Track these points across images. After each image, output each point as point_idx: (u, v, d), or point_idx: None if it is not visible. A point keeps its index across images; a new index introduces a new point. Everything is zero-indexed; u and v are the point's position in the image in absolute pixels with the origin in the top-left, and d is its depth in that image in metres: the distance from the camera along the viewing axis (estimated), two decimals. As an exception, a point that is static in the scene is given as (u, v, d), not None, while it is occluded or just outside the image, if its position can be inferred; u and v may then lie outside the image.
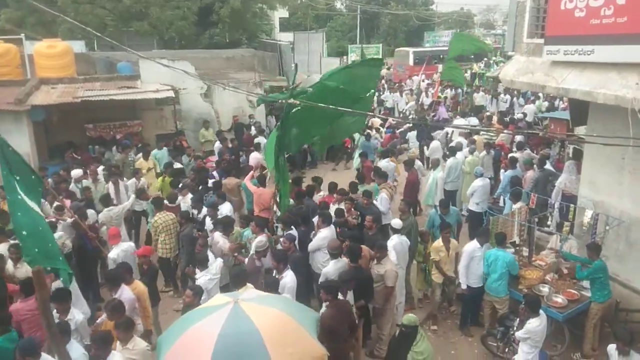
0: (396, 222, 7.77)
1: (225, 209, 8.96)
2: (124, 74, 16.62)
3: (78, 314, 5.95)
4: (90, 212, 8.85)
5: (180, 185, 9.93)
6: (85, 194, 9.89)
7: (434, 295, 8.00)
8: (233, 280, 6.17)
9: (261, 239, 7.35)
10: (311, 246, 7.61)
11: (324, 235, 7.55)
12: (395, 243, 7.47)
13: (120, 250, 7.60)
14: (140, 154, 12.07)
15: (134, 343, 5.27)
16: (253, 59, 21.27)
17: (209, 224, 8.45)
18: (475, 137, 13.54)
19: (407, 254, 7.78)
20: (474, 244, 7.57)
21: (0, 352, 5.31)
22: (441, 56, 32.90)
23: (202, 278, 6.84)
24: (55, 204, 8.75)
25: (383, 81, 32.50)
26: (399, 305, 7.61)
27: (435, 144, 13.62)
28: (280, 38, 31.19)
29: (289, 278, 6.48)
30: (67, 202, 8.66)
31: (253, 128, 15.76)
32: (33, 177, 6.71)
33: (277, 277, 6.53)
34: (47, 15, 22.95)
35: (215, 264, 7.17)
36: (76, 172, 10.61)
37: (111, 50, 20.94)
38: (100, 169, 10.91)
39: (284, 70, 20.53)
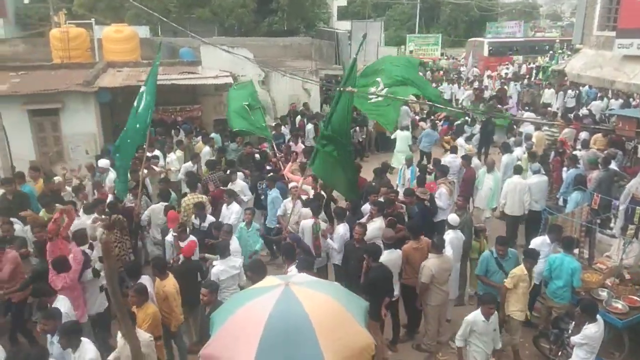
0: (453, 218, 7.60)
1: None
2: (186, 60, 17.10)
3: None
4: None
5: (229, 171, 10.11)
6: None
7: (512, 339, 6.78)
8: (251, 272, 6.11)
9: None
10: (366, 236, 7.47)
11: (379, 225, 7.51)
12: (452, 238, 7.35)
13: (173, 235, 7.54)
14: (200, 138, 12.43)
15: (137, 333, 5.08)
16: (310, 48, 21.32)
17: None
18: (536, 133, 13.09)
19: (461, 249, 7.63)
20: (542, 238, 7.33)
21: None
22: (515, 48, 31.95)
23: (216, 267, 6.68)
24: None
25: (441, 72, 31.84)
26: (450, 301, 7.50)
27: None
28: (337, 27, 31.06)
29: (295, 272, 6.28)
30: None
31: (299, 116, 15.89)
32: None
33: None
34: (116, 1, 23.94)
35: (238, 260, 6.98)
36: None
37: (174, 36, 21.56)
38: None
39: (340, 59, 20.47)
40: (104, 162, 10.22)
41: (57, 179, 9.90)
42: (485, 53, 31.71)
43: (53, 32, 17.23)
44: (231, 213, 8.55)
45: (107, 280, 3.72)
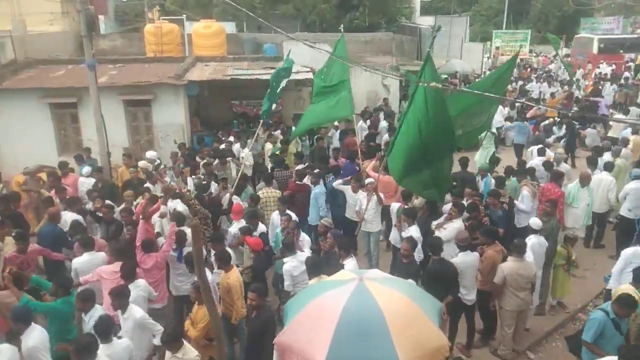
0: (535, 222, 7.21)
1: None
2: (269, 55, 17.52)
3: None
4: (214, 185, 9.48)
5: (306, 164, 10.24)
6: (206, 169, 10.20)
7: None
8: (308, 269, 6.11)
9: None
10: (444, 236, 7.30)
11: (457, 226, 7.33)
12: (533, 243, 6.99)
13: (237, 229, 7.66)
14: (279, 131, 12.75)
15: (184, 352, 5.04)
16: (391, 43, 21.11)
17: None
18: (633, 137, 12.17)
19: (543, 256, 7.25)
20: (634, 249, 6.83)
21: (57, 312, 5.72)
22: (627, 45, 29.51)
23: (288, 264, 6.66)
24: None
25: (528, 70, 30.35)
26: (530, 309, 7.17)
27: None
28: (420, 22, 30.49)
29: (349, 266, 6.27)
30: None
31: (382, 113, 15.75)
32: None
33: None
34: (205, -2, 24.97)
35: (307, 253, 6.97)
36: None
37: (258, 32, 22.17)
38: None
39: (422, 55, 20.10)
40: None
41: (142, 163, 10.55)
42: (595, 50, 29.42)
43: (147, 28, 18.30)
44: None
45: (195, 263, 3.90)
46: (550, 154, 11.31)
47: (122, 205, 8.39)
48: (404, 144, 7.49)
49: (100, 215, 8.20)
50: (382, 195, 8.61)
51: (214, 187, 9.41)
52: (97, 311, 5.54)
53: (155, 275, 6.70)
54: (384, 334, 4.06)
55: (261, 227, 7.91)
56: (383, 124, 14.62)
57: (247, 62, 16.35)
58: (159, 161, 11.17)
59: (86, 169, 10.10)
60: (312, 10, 24.99)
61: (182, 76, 13.47)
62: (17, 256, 6.75)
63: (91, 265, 6.60)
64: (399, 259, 6.76)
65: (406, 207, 8.09)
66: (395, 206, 8.33)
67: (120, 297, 5.51)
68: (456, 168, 9.20)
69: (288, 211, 8.17)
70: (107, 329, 5.10)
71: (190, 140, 13.41)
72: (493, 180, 9.28)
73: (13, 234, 7.05)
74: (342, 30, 11.30)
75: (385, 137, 13.34)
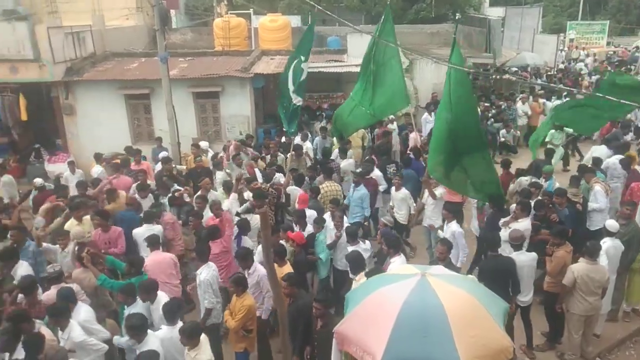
0: (611, 224, 6.83)
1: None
2: (333, 48, 17.55)
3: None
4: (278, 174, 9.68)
5: (366, 158, 10.18)
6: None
7: None
8: (351, 264, 6.21)
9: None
10: (506, 236, 7.04)
11: (523, 226, 7.07)
12: (608, 247, 6.63)
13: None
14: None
15: (198, 351, 5.01)
16: (458, 35, 20.53)
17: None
18: None
19: (618, 261, 6.86)
20: None
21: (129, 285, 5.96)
22: None
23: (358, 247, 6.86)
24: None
25: (605, 63, 28.67)
26: (602, 315, 6.85)
27: None
28: (489, 13, 29.44)
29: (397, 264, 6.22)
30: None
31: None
32: None
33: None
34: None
35: (368, 243, 7.19)
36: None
37: (322, 25, 22.22)
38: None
39: (491, 47, 19.46)
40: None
41: (203, 143, 11.19)
42: None
43: (216, 22, 18.81)
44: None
45: (264, 249, 4.01)
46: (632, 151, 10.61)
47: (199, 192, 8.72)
48: (435, 131, 7.39)
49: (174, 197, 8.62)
50: (443, 191, 8.51)
51: (278, 178, 9.55)
52: (162, 298, 5.77)
53: (224, 259, 6.99)
54: (444, 332, 4.00)
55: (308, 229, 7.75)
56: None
57: (311, 55, 16.42)
58: (211, 151, 11.61)
59: (162, 154, 10.67)
60: (377, 2, 24.74)
61: (248, 69, 13.78)
62: (102, 234, 7.26)
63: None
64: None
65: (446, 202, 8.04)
66: None
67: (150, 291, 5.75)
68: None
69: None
70: (174, 311, 5.34)
71: (254, 132, 13.72)
72: (557, 184, 8.93)
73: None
74: (389, 11, 9.34)
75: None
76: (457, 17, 25.14)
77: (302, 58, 9.58)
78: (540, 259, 6.68)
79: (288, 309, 5.98)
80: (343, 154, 10.72)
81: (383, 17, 9.23)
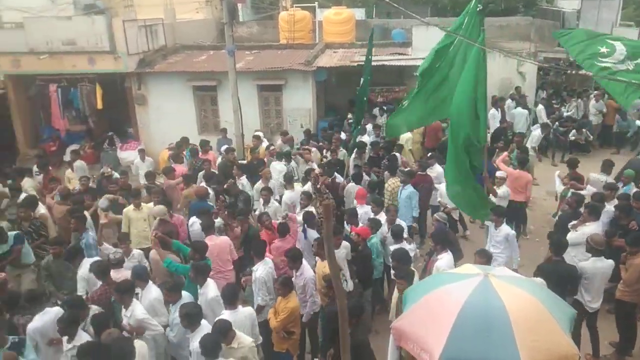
0: None
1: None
2: (397, 41, 17.33)
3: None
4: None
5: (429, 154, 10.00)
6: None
7: None
8: (396, 262, 6.09)
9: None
10: (574, 239, 6.82)
11: (589, 230, 6.75)
12: None
13: (363, 212, 7.88)
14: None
15: (238, 341, 5.02)
16: (529, 28, 19.73)
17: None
18: None
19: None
20: None
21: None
22: None
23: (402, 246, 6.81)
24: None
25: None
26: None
27: None
28: (563, 5, 28.00)
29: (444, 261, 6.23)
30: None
31: (509, 100, 14.77)
32: None
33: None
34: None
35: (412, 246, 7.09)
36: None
37: (387, 17, 21.98)
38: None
39: (565, 40, 18.52)
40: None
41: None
42: None
43: (281, 15, 19.07)
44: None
45: (325, 241, 4.05)
46: None
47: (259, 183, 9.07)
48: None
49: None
50: (507, 189, 8.28)
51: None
52: (210, 287, 5.95)
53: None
54: (506, 334, 3.91)
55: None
56: (517, 111, 13.93)
57: (374, 48, 16.30)
58: (266, 141, 11.87)
59: (225, 147, 10.98)
60: (444, -6, 24.26)
61: (311, 62, 13.88)
62: (167, 221, 7.62)
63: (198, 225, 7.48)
64: None
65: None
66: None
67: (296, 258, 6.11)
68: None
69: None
70: (233, 295, 5.50)
71: (316, 126, 13.81)
72: (635, 189, 8.37)
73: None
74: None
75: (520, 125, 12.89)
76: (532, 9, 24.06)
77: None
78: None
79: (326, 310, 6.10)
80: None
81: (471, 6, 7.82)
